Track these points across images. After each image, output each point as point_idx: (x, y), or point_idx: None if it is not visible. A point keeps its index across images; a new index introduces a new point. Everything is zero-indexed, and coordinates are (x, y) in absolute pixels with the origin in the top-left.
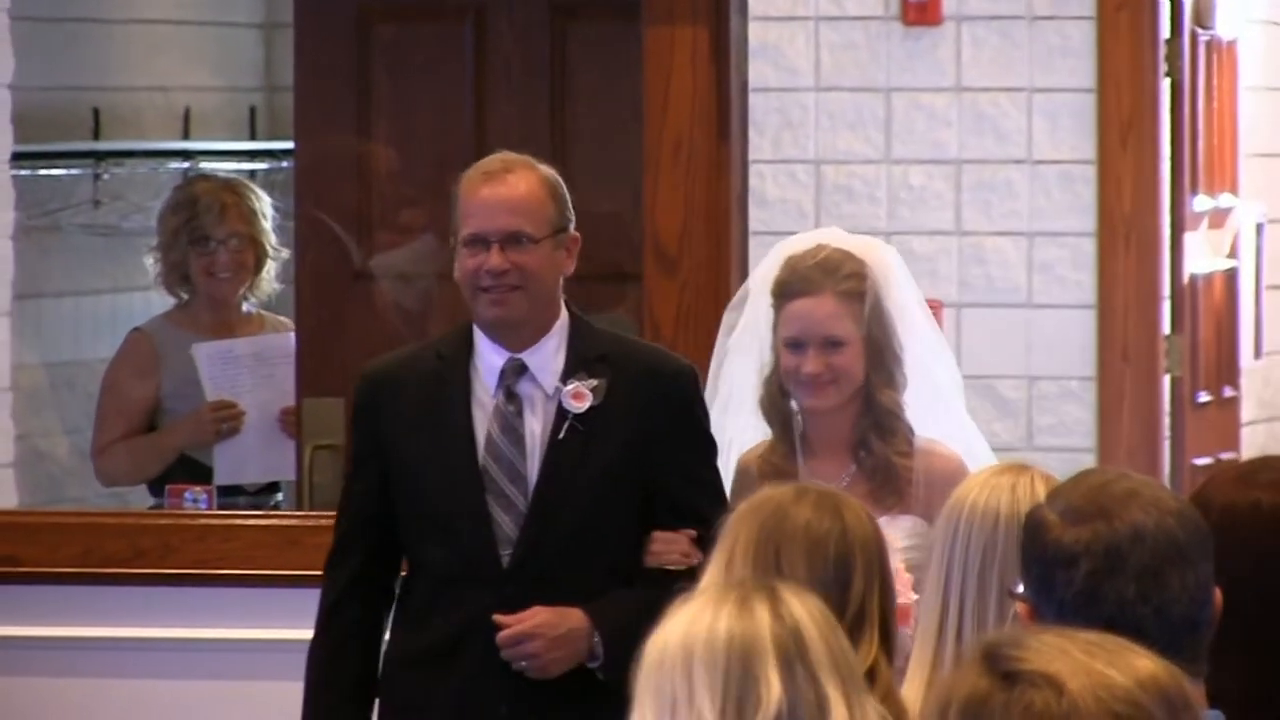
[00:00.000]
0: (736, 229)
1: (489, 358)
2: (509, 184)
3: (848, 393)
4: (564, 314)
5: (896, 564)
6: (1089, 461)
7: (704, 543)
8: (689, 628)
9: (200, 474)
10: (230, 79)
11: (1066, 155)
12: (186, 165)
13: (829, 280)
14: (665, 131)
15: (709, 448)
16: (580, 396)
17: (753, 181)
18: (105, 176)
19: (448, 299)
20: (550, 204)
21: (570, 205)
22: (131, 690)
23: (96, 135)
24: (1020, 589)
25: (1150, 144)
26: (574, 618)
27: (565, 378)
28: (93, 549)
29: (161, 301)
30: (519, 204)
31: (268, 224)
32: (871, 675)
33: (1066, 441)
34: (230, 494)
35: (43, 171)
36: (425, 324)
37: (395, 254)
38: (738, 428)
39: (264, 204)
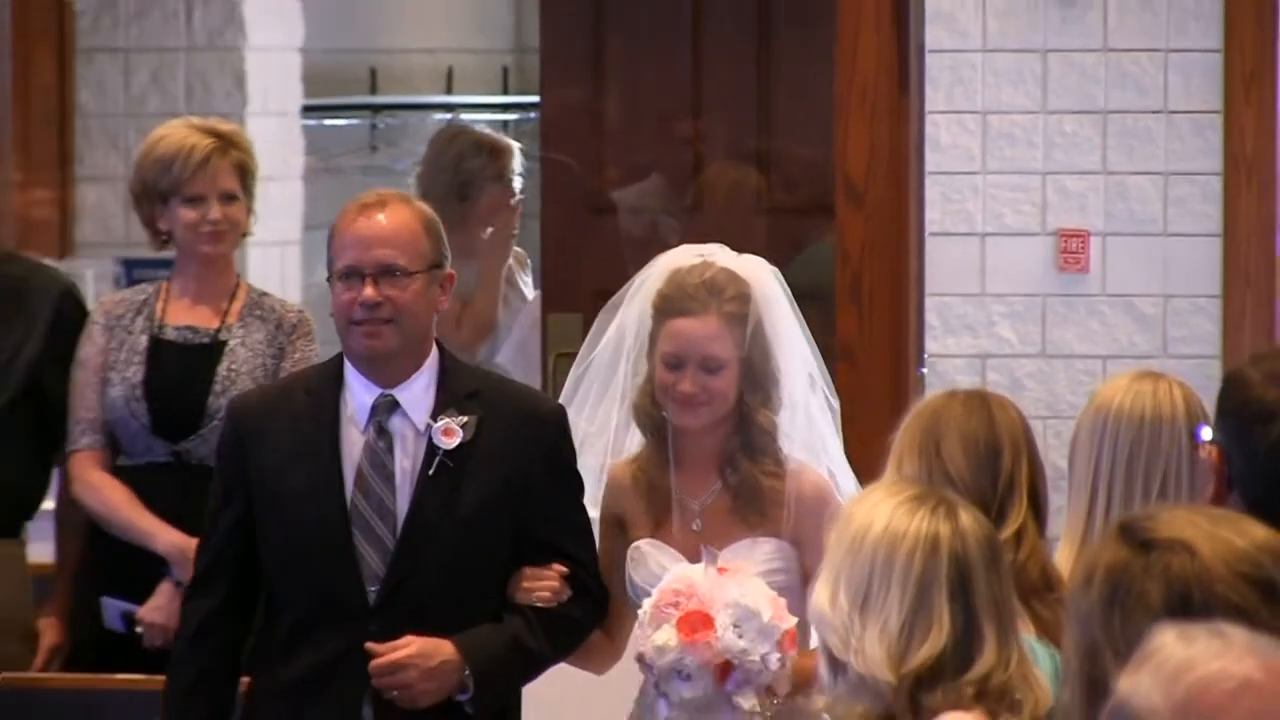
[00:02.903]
0: (914, 169)
1: (359, 394)
2: (384, 217)
3: (720, 413)
4: (434, 351)
5: (769, 590)
6: (1216, 368)
7: (572, 580)
8: (890, 523)
9: None
10: (486, 42)
11: (1197, 106)
12: (449, 116)
13: (714, 300)
14: (854, 84)
15: (577, 488)
16: (450, 433)
17: (928, 129)
18: (380, 126)
19: (671, 231)
20: (425, 239)
21: (446, 242)
22: None
23: (373, 90)
24: (1205, 437)
25: (1270, 95)
26: (446, 650)
27: (436, 414)
28: None
29: None
30: (393, 237)
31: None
32: (1020, 535)
33: (1196, 350)
34: None
35: (327, 122)
36: (651, 251)
37: (626, 191)
38: (599, 445)
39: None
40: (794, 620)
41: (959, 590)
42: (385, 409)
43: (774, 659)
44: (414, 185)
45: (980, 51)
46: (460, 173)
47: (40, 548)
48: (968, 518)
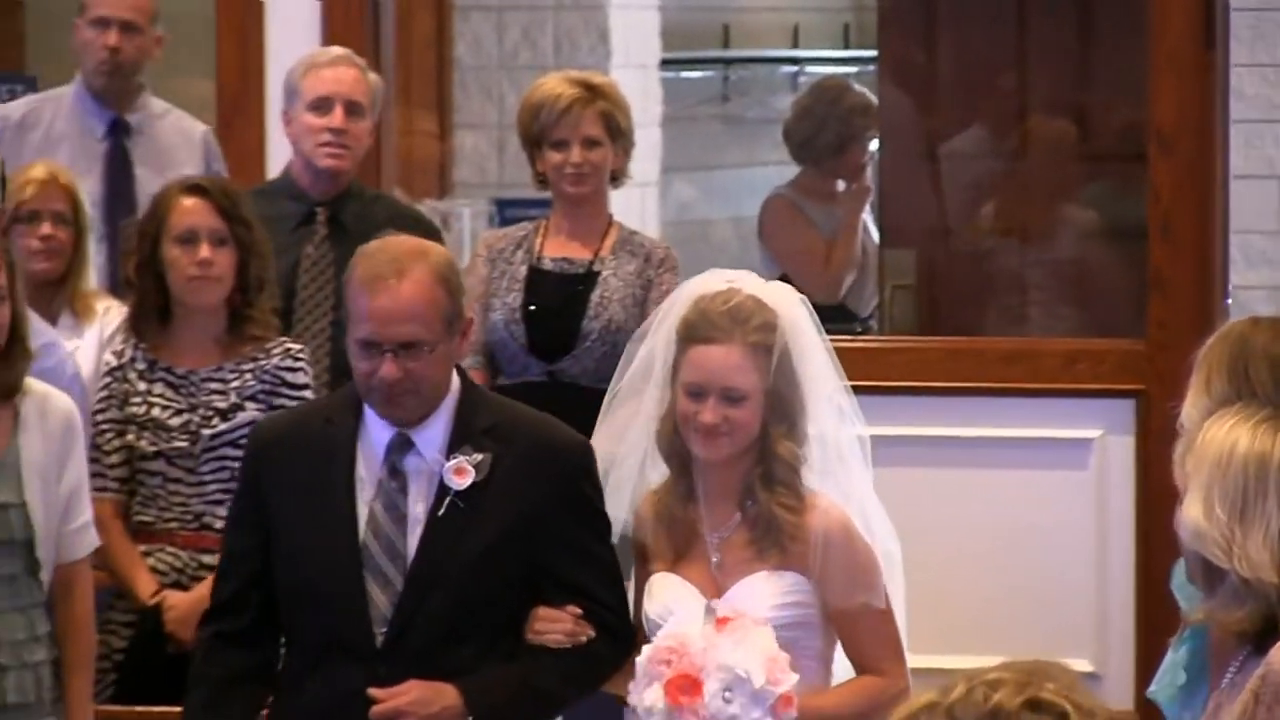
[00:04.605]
0: (1220, 118)
1: (376, 431)
2: (403, 291)
3: (741, 445)
4: (455, 384)
5: (772, 644)
6: None
7: (591, 617)
8: (1255, 441)
9: None
10: (829, 1)
11: None
12: (795, 69)
13: (738, 329)
14: (1165, 42)
15: (600, 524)
16: (462, 472)
17: (1233, 81)
18: (732, 78)
19: (995, 177)
20: (444, 299)
21: (462, 285)
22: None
23: (725, 45)
24: None
25: None
26: (448, 695)
27: (449, 452)
28: None
29: (771, 174)
30: (414, 310)
31: None
32: None
33: None
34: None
35: (683, 74)
36: (978, 196)
37: (955, 139)
38: (627, 467)
39: None
40: (793, 679)
41: None
42: (400, 448)
43: None
44: (786, 130)
45: None
46: (850, 126)
47: None
48: None
